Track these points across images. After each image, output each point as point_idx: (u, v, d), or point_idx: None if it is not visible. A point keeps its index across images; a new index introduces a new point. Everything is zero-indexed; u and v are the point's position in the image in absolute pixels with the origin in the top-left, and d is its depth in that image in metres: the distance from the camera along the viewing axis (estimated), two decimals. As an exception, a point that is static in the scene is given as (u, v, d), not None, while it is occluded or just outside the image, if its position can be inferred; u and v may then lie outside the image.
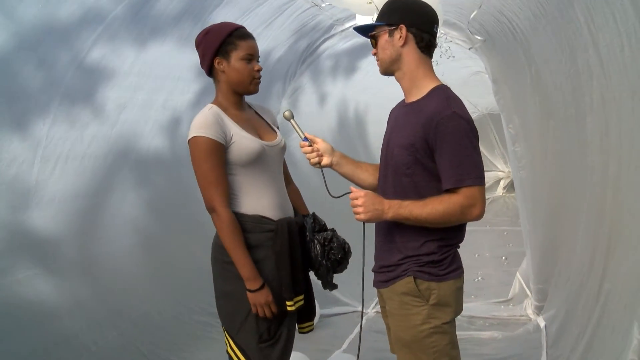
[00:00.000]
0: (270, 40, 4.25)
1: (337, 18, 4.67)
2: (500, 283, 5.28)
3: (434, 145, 1.89)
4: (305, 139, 2.21)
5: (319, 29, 4.77)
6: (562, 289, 3.29)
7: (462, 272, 2.00)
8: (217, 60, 2.23)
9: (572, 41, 2.48)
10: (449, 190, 1.88)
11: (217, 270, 2.26)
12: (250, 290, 2.13)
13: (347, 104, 6.66)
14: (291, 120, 2.23)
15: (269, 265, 2.20)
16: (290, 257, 2.22)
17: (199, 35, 2.29)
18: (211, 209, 2.16)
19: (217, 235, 2.23)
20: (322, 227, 2.35)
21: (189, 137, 2.18)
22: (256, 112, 2.41)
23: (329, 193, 2.16)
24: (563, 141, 3.10)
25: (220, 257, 2.23)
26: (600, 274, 2.35)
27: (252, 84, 2.28)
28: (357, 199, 1.93)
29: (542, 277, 3.93)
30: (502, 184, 10.64)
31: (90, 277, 3.16)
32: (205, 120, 2.17)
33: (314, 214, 2.39)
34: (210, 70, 2.29)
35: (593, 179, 2.56)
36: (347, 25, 4.82)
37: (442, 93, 1.97)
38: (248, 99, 2.39)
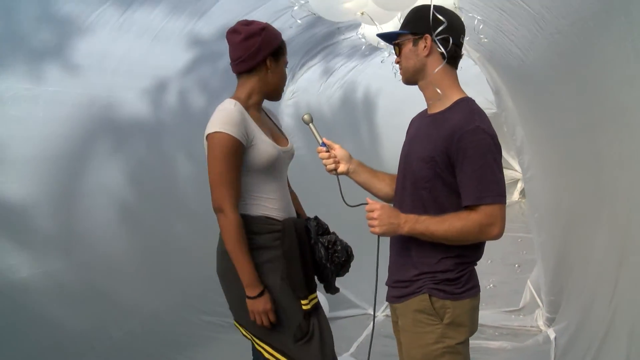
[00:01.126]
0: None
1: (339, 26, 4.63)
2: (512, 291, 5.26)
3: (455, 160, 1.88)
4: (323, 144, 2.24)
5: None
6: (575, 302, 3.28)
7: (479, 291, 2.01)
8: (269, 58, 2.26)
9: (573, 52, 2.48)
10: (469, 207, 1.87)
11: (232, 278, 2.24)
12: (249, 297, 2.16)
13: (355, 86, 6.47)
14: (310, 124, 2.26)
15: (279, 265, 2.24)
16: (301, 255, 2.25)
17: (249, 27, 2.25)
18: (219, 209, 2.15)
19: (222, 241, 2.25)
20: (326, 230, 2.38)
21: (211, 131, 2.15)
22: (268, 115, 2.44)
23: (344, 201, 2.18)
24: (573, 151, 3.11)
25: (231, 267, 2.23)
26: (612, 288, 2.36)
27: (283, 90, 2.37)
28: (372, 211, 1.93)
29: (554, 289, 3.93)
30: (518, 186, 10.44)
31: (66, 252, 3.04)
32: (232, 117, 2.16)
33: (316, 217, 2.41)
34: (252, 66, 2.26)
35: (607, 189, 2.57)
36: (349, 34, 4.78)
37: (467, 106, 1.96)
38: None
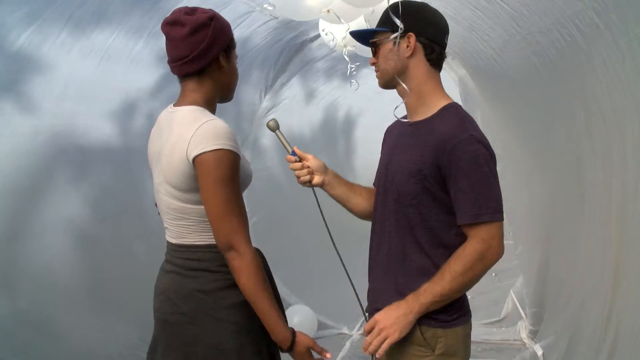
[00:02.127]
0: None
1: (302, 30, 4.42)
2: (490, 302, 5.16)
3: (448, 173, 1.72)
4: (293, 153, 2.04)
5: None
6: (561, 314, 3.20)
7: (470, 317, 1.86)
8: (222, 56, 1.92)
9: (555, 53, 2.39)
10: (465, 226, 1.73)
11: (209, 323, 1.89)
12: (286, 350, 1.86)
13: (337, 105, 6.31)
14: (277, 131, 2.05)
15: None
16: (273, 288, 2.00)
17: (194, 16, 1.88)
18: (229, 246, 1.79)
19: (202, 278, 1.90)
20: None
21: (209, 149, 1.77)
22: None
23: (323, 218, 2.02)
24: (553, 157, 3.03)
25: (209, 307, 1.89)
26: (609, 298, 2.25)
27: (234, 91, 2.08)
28: (374, 327, 1.76)
29: (536, 300, 3.86)
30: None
31: (12, 291, 2.79)
32: (229, 131, 1.82)
33: None
34: (203, 66, 1.90)
35: (589, 195, 2.49)
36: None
37: (456, 113, 1.82)
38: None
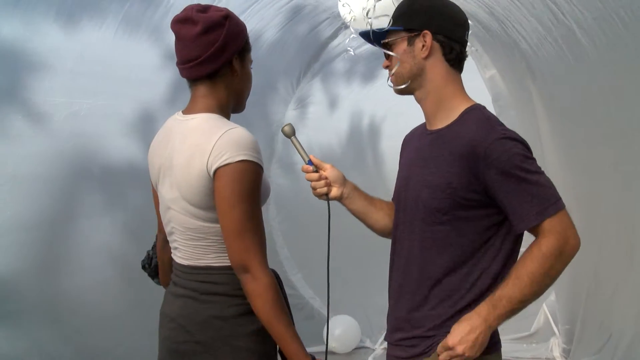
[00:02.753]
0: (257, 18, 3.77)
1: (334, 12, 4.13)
2: (521, 316, 4.84)
3: (489, 180, 1.54)
4: (310, 162, 1.86)
5: (319, 12, 4.30)
6: (595, 336, 3.02)
7: (501, 345, 1.68)
8: (236, 59, 1.76)
9: (595, 51, 2.21)
10: (530, 229, 1.55)
11: (227, 354, 1.73)
12: None
13: (361, 114, 6.22)
14: (292, 137, 1.87)
15: None
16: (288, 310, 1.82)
17: (208, 14, 1.73)
18: (245, 267, 1.65)
19: (220, 304, 1.75)
20: None
21: (238, 159, 1.62)
22: None
23: (328, 236, 1.86)
24: (591, 164, 2.85)
25: (228, 334, 1.73)
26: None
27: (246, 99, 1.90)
28: (453, 349, 1.54)
29: (568, 316, 3.69)
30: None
31: (55, 321, 2.79)
32: (255, 142, 1.68)
33: None
34: (215, 69, 1.74)
35: (630, 205, 2.32)
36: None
37: (480, 114, 1.64)
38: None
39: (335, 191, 1.87)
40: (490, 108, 1.97)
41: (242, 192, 1.63)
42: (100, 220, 3.08)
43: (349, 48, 3.77)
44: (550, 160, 3.56)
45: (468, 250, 1.61)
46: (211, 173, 1.64)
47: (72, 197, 2.92)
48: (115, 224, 3.18)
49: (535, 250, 1.53)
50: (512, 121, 3.98)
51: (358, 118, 6.10)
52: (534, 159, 1.57)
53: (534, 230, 1.55)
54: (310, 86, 4.99)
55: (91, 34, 2.80)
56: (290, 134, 1.88)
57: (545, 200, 1.53)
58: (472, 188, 1.57)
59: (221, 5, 3.21)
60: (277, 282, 1.70)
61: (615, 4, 1.88)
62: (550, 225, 1.52)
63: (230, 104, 1.82)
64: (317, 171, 1.87)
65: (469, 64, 1.87)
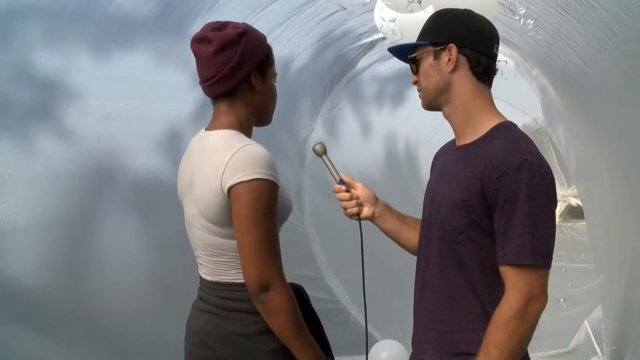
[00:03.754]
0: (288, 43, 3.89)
1: (372, 25, 4.23)
2: (558, 331, 4.84)
3: (494, 204, 1.53)
4: (341, 181, 1.89)
5: (349, 36, 4.43)
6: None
7: None
8: (255, 76, 1.79)
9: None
10: (503, 269, 1.53)
11: None
12: None
13: (396, 137, 6.27)
14: (323, 156, 1.90)
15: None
16: (316, 325, 1.87)
17: (223, 32, 1.76)
18: (264, 286, 1.65)
19: (242, 320, 1.76)
20: None
21: (251, 177, 1.65)
22: None
23: (362, 256, 1.87)
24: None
25: (249, 352, 1.76)
26: None
27: (272, 113, 1.91)
28: None
29: (617, 337, 3.58)
30: (560, 207, 10.10)
31: (84, 320, 2.84)
32: (269, 157, 1.69)
33: None
34: (232, 87, 1.78)
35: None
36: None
37: (508, 133, 1.61)
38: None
39: (366, 211, 1.90)
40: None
41: (258, 212, 1.64)
42: (129, 220, 3.13)
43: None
44: (600, 179, 3.50)
45: (488, 271, 1.59)
46: (225, 191, 1.66)
47: (100, 196, 2.97)
48: (143, 226, 3.23)
49: (497, 314, 1.52)
50: (559, 134, 3.92)
51: (392, 141, 6.12)
52: (552, 198, 1.53)
53: (504, 275, 1.53)
54: (339, 110, 5.01)
55: (121, 62, 2.92)
56: (322, 152, 1.92)
57: (530, 247, 1.48)
58: (485, 210, 1.56)
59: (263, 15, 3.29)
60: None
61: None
62: (518, 276, 1.50)
63: (252, 120, 1.86)
64: (348, 190, 1.90)
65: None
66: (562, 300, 6.00)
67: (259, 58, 1.79)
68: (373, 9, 3.29)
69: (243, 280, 1.74)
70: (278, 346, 1.73)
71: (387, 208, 1.95)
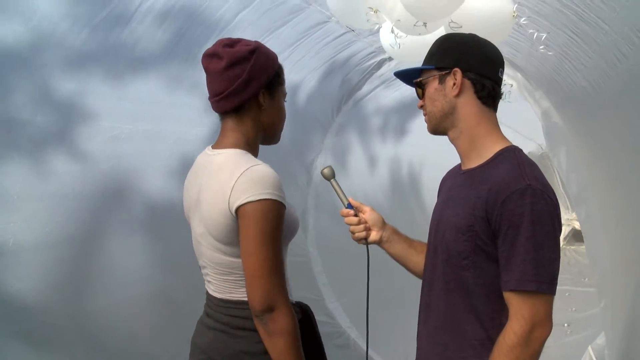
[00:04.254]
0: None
1: (378, 46, 4.30)
2: (562, 357, 4.81)
3: (497, 229, 1.52)
4: (349, 205, 1.89)
5: (356, 57, 4.48)
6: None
7: None
8: (262, 92, 1.80)
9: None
10: (506, 295, 1.53)
11: None
12: None
13: (399, 162, 6.31)
14: (332, 180, 1.90)
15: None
16: (318, 345, 1.89)
17: (234, 48, 1.78)
18: (270, 307, 1.65)
19: (250, 339, 1.77)
20: None
21: (259, 198, 1.66)
22: None
23: (367, 279, 1.87)
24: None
25: None
26: None
27: (281, 131, 1.93)
28: None
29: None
30: (562, 232, 10.08)
31: (87, 338, 2.83)
32: (276, 178, 1.71)
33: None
34: (240, 103, 1.79)
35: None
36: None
37: (512, 158, 1.61)
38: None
39: (374, 235, 1.91)
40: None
41: (265, 232, 1.67)
42: (136, 239, 3.15)
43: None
44: (602, 203, 3.48)
45: (493, 296, 1.58)
46: (233, 211, 1.67)
47: (109, 215, 2.99)
48: (148, 243, 3.24)
49: (501, 340, 1.51)
50: (561, 158, 3.92)
51: (397, 170, 6.15)
52: (556, 223, 1.52)
53: (508, 301, 1.52)
54: (343, 136, 5.04)
55: (135, 86, 2.98)
56: (330, 176, 1.92)
57: (533, 274, 1.48)
58: (489, 235, 1.56)
59: (272, 38, 3.34)
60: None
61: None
62: (521, 303, 1.49)
63: (259, 137, 1.87)
64: (356, 215, 1.90)
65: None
66: (566, 324, 5.96)
67: (268, 76, 1.81)
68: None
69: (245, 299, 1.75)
70: None
71: (395, 232, 1.95)
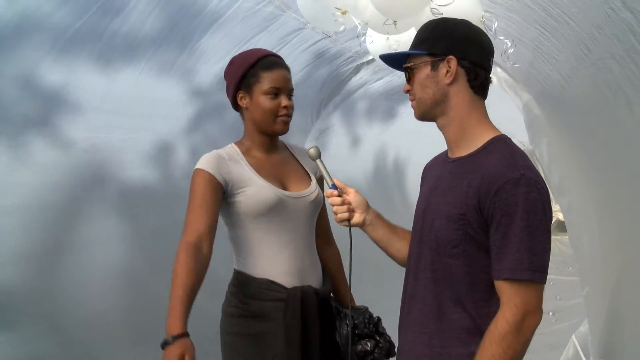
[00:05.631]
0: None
1: (356, 51, 4.40)
2: (548, 346, 4.84)
3: (490, 218, 1.53)
4: (334, 186, 1.90)
5: (338, 57, 4.55)
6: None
7: None
8: (239, 95, 2.08)
9: (629, 83, 2.22)
10: (498, 284, 1.55)
11: (221, 345, 2.08)
12: (162, 343, 1.70)
13: (385, 149, 6.32)
14: (317, 160, 1.95)
15: (278, 340, 1.95)
16: (303, 334, 1.96)
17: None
18: (182, 234, 1.95)
19: (227, 297, 2.07)
20: (366, 334, 2.04)
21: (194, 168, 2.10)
22: (293, 155, 2.20)
23: (350, 261, 1.91)
24: (628, 192, 2.83)
25: (224, 325, 2.04)
26: None
27: (276, 122, 2.07)
28: None
29: (604, 350, 3.60)
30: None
31: (59, 333, 2.84)
32: (209, 156, 2.08)
33: (366, 309, 2.11)
34: (233, 106, 2.21)
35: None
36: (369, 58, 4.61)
37: (505, 147, 1.62)
38: (290, 140, 2.31)
39: (357, 217, 1.89)
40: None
41: (191, 189, 2.02)
42: (111, 223, 3.20)
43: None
44: (582, 193, 3.55)
45: (481, 285, 1.61)
46: None
47: (85, 202, 3.06)
48: (124, 242, 3.31)
49: (492, 328, 1.53)
50: (542, 150, 3.98)
51: (381, 153, 6.17)
52: (548, 213, 1.54)
53: (500, 290, 1.54)
54: (330, 121, 5.09)
55: (123, 74, 3.05)
56: (316, 156, 1.97)
57: (527, 262, 1.50)
58: (481, 224, 1.57)
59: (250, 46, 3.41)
60: (195, 252, 1.90)
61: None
62: (514, 291, 1.51)
63: (256, 130, 2.15)
64: (340, 195, 1.90)
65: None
66: (551, 313, 6.02)
67: (237, 79, 2.08)
68: (357, 36, 3.36)
69: (236, 267, 2.12)
70: (238, 330, 2.02)
71: (379, 216, 1.94)
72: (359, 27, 2.73)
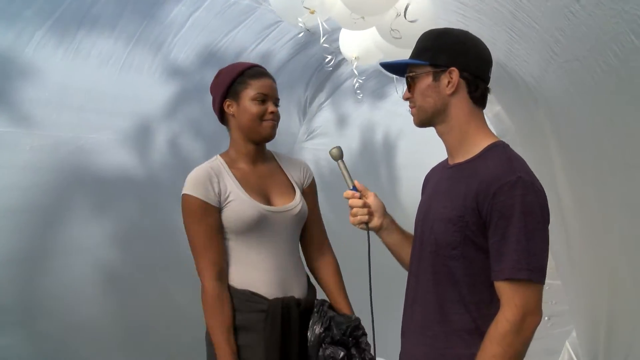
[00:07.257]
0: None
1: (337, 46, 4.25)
2: (544, 351, 4.86)
3: (488, 220, 1.57)
4: (354, 187, 1.90)
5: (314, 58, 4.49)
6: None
7: None
8: (226, 103, 2.10)
9: (593, 82, 2.22)
10: (498, 284, 1.57)
11: (207, 357, 2.11)
12: None
13: (374, 128, 6.27)
14: (339, 161, 1.93)
15: (258, 353, 1.97)
16: (282, 347, 1.98)
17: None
18: (201, 281, 2.05)
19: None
20: (342, 340, 2.01)
21: (182, 193, 2.10)
22: (280, 167, 2.20)
23: (369, 266, 1.91)
24: (603, 198, 2.82)
25: (209, 338, 2.05)
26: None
27: (263, 127, 2.09)
28: None
29: (591, 356, 3.59)
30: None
31: (34, 331, 2.82)
32: (197, 177, 2.08)
33: (358, 321, 2.08)
34: (222, 117, 2.21)
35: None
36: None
37: (502, 152, 1.66)
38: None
39: (375, 221, 1.92)
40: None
41: (185, 222, 2.07)
42: (84, 223, 3.15)
43: (358, 92, 3.86)
44: (563, 195, 3.54)
45: (480, 287, 1.63)
46: None
47: (63, 203, 3.01)
48: (102, 232, 3.23)
49: (493, 328, 1.55)
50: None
51: (370, 135, 6.13)
52: (545, 215, 1.57)
53: (499, 290, 1.56)
54: (319, 106, 5.05)
55: (86, 44, 2.92)
56: (338, 157, 1.95)
57: (525, 262, 1.52)
58: (479, 227, 1.60)
59: (228, 40, 3.38)
60: (225, 296, 2.03)
61: (607, 38, 1.89)
62: (513, 291, 1.53)
63: (242, 139, 2.16)
64: (361, 197, 1.91)
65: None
66: (547, 318, 5.99)
67: (222, 88, 2.12)
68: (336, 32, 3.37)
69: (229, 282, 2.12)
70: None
71: (393, 221, 1.97)
72: (354, 64, 2.79)
